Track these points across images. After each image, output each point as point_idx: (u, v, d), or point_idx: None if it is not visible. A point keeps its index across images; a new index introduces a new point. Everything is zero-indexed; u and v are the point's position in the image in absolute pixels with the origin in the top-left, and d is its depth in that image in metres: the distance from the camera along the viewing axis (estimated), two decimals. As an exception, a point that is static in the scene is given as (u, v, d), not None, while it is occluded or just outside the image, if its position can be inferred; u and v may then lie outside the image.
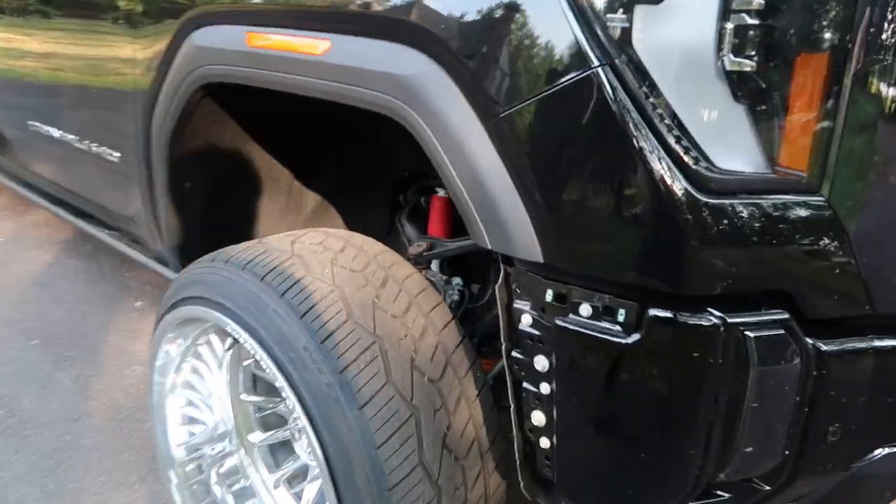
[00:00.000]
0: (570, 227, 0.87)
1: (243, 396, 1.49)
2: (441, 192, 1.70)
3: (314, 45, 1.16)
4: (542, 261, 0.90)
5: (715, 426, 0.87)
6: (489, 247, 0.96)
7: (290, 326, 1.10)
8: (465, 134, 0.94)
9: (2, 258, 3.17)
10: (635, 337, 0.86)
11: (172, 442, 1.57)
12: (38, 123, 2.30)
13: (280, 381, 1.11)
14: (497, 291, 1.01)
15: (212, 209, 1.74)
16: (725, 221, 0.80)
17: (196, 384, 1.55)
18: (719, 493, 0.95)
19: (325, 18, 1.18)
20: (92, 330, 2.58)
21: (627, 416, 0.91)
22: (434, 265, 1.62)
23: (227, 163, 1.69)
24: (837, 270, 0.83)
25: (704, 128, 0.81)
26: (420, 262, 1.56)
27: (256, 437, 1.53)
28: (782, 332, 0.85)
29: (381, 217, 1.90)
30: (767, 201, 0.82)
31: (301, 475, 1.49)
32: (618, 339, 0.87)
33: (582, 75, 0.82)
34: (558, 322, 0.92)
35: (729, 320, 0.83)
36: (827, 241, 0.82)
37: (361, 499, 1.06)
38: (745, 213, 0.81)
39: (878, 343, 0.88)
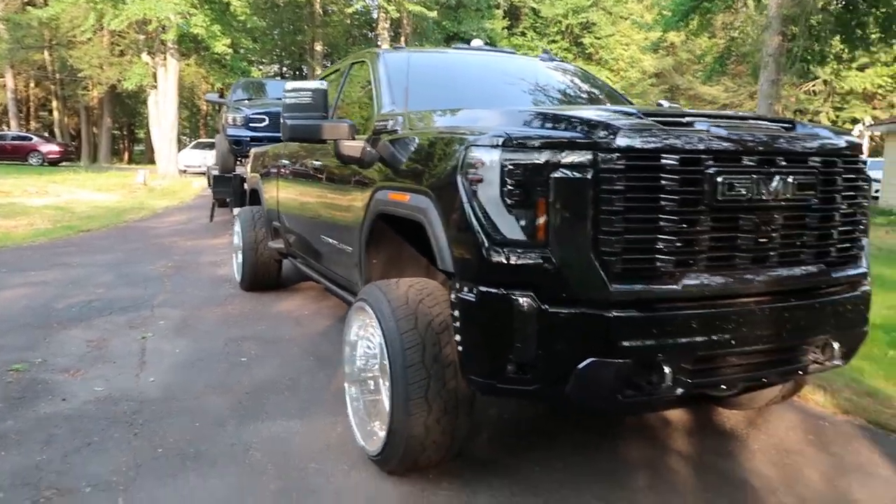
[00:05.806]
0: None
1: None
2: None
3: (404, 196, 2.90)
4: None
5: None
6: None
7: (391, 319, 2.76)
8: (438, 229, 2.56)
9: (304, 322, 5.42)
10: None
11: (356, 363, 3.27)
12: (325, 237, 4.40)
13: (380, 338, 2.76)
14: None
15: (384, 270, 3.51)
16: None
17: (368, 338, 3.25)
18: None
19: (406, 189, 2.92)
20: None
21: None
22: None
23: (390, 248, 3.48)
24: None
25: (502, 221, 2.33)
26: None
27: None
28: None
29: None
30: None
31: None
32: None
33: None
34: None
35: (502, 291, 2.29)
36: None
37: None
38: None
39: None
